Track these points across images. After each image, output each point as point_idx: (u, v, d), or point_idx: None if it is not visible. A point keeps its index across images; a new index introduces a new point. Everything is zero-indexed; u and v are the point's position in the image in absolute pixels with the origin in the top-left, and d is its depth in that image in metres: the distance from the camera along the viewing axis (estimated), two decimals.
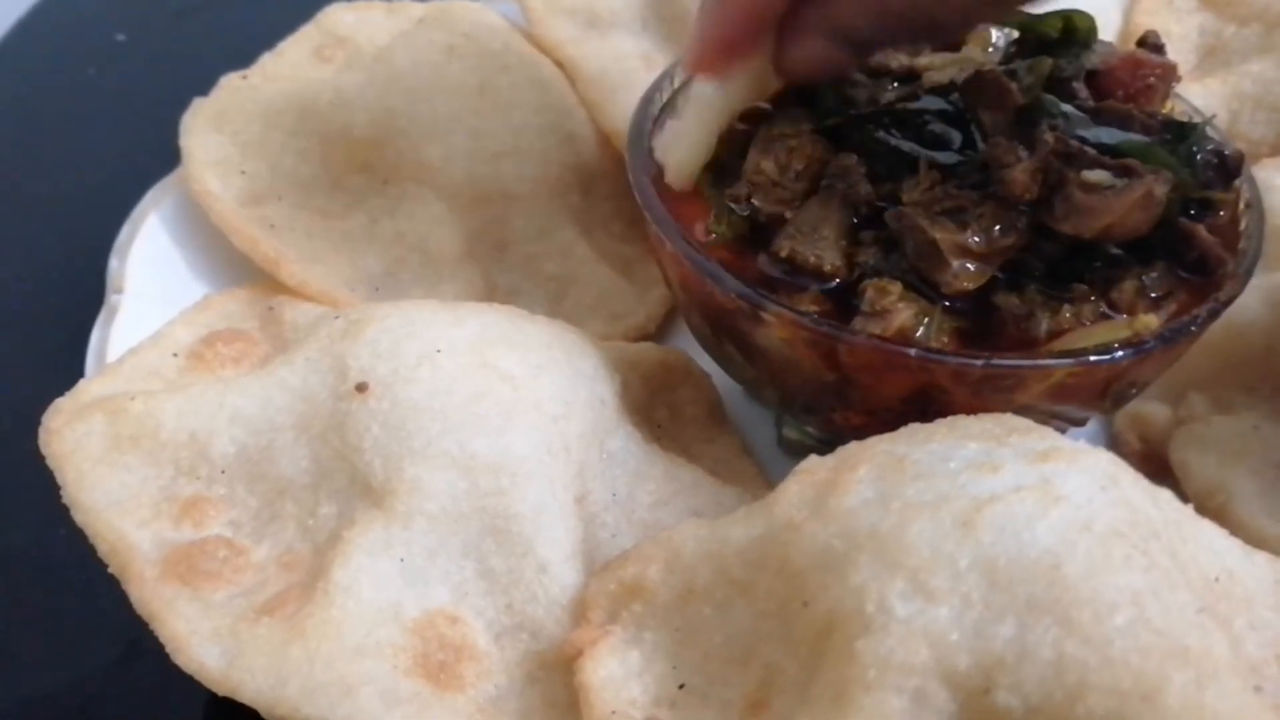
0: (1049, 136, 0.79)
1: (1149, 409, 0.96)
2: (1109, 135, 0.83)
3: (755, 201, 0.85)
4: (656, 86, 0.96)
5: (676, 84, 0.97)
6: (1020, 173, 0.77)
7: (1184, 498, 0.86)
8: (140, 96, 1.42)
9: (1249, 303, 0.95)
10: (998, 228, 0.78)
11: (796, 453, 0.95)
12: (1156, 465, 0.94)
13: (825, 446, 0.92)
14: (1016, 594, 0.58)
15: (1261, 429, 0.92)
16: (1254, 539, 0.82)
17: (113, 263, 1.01)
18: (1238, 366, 0.95)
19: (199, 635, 0.70)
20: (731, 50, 0.84)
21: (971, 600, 0.59)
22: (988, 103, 0.84)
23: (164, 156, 1.07)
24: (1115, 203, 0.76)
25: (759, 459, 0.97)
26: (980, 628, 0.58)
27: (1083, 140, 0.81)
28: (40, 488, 0.79)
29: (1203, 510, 0.86)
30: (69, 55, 1.51)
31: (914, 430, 0.71)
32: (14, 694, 0.87)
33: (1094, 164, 0.79)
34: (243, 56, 1.19)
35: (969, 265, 0.78)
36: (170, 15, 1.59)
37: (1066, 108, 0.84)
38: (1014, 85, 0.84)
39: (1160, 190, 0.78)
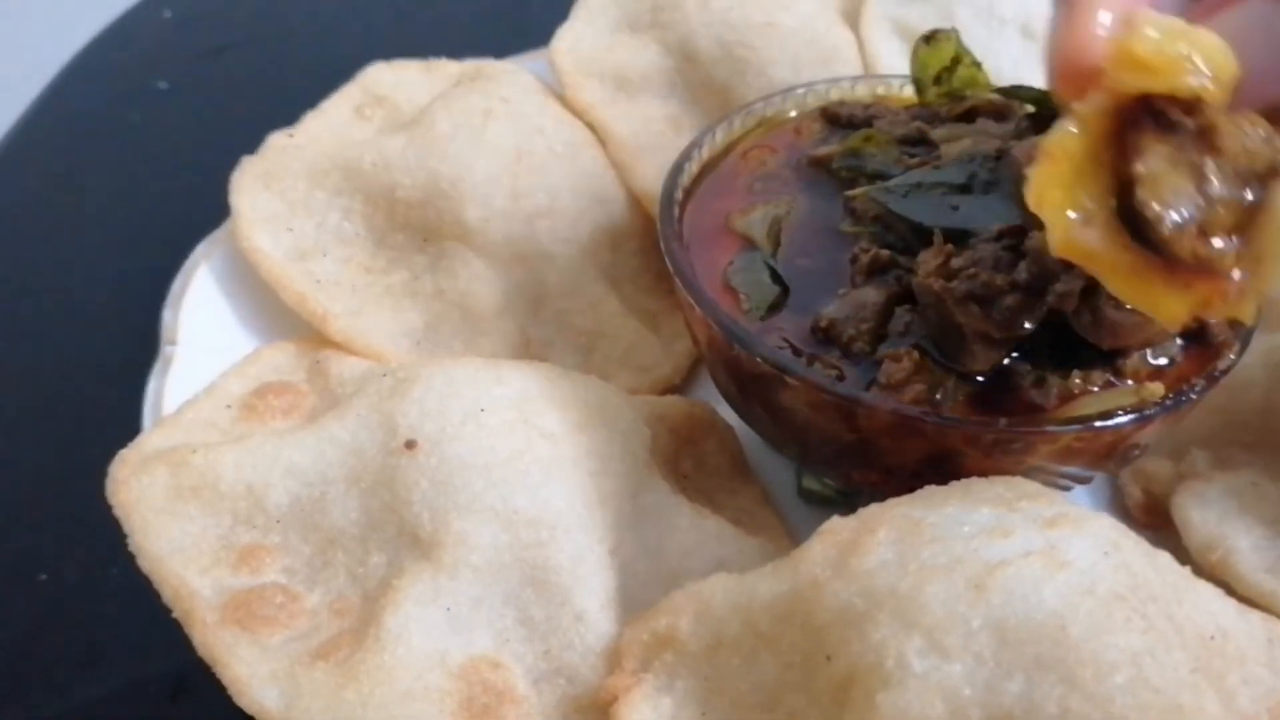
0: None
1: (1153, 465, 1.00)
2: None
3: None
4: (686, 155, 1.01)
5: (705, 154, 1.02)
6: (1071, 294, 0.80)
7: (1185, 551, 0.93)
8: (184, 144, 1.47)
9: (1249, 363, 0.99)
10: (1021, 319, 0.81)
11: (815, 503, 1.00)
12: (1159, 518, 0.98)
13: (843, 497, 0.97)
14: (1025, 653, 0.63)
15: (1260, 485, 0.96)
16: (1250, 592, 0.87)
17: (166, 315, 1.05)
18: (1238, 425, 0.99)
19: (259, 678, 0.75)
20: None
21: (983, 658, 0.63)
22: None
23: (209, 205, 1.11)
24: (1142, 326, 0.80)
25: (779, 508, 1.01)
26: (991, 684, 0.63)
27: None
28: (93, 530, 0.84)
29: (1202, 564, 0.91)
30: (112, 103, 1.56)
31: (930, 494, 0.76)
32: None
33: None
34: (281, 97, 1.24)
35: (989, 349, 0.82)
36: (209, 60, 1.65)
37: None
38: None
39: None
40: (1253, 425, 0.99)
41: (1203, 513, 0.94)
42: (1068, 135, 0.66)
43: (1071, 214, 0.66)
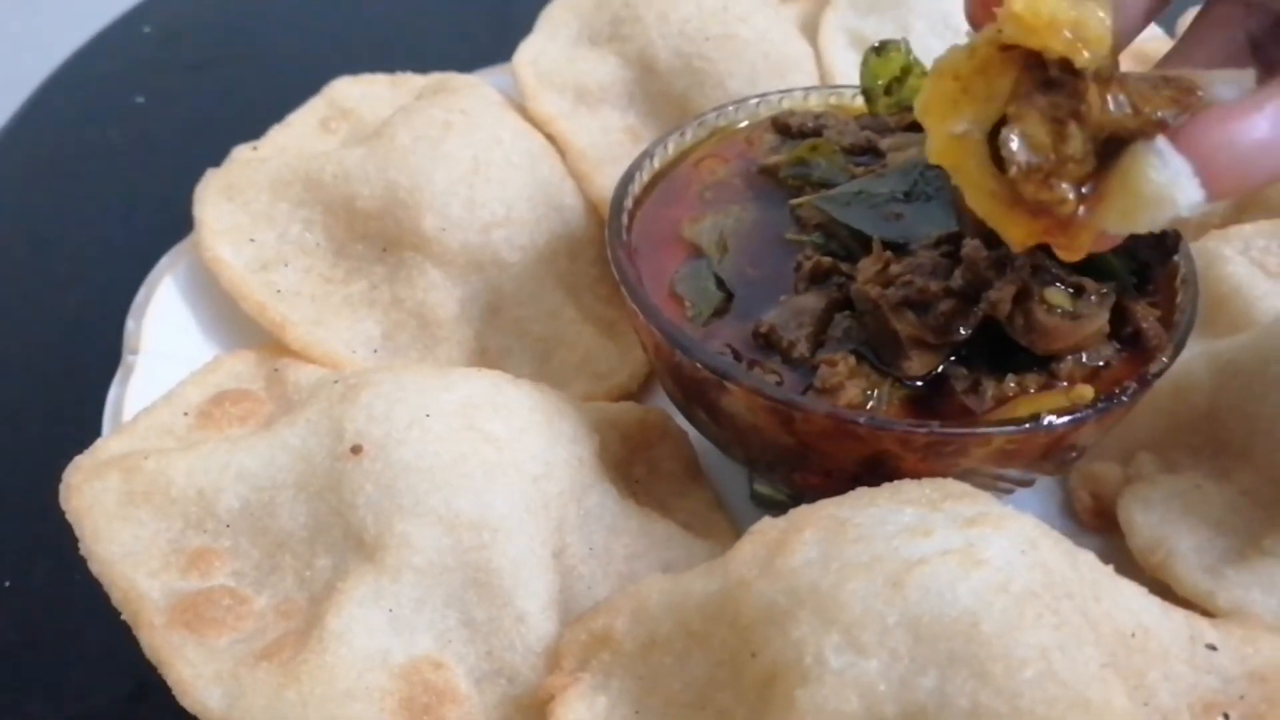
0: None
1: (1101, 468, 1.01)
2: None
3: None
4: (638, 165, 1.02)
5: (657, 164, 1.04)
6: (1004, 300, 0.82)
7: (1130, 553, 0.94)
8: (159, 159, 1.49)
9: (1194, 369, 1.01)
10: (956, 324, 0.83)
11: (768, 507, 1.01)
12: (1107, 521, 0.99)
13: (794, 501, 0.98)
14: (938, 649, 0.64)
15: (1204, 488, 0.97)
16: (1189, 593, 0.89)
17: (129, 324, 1.07)
18: (1183, 429, 1.01)
19: (203, 679, 0.77)
20: None
21: (898, 654, 0.65)
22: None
23: (180, 218, 1.13)
24: (1074, 330, 0.83)
25: (732, 513, 1.02)
26: (905, 679, 0.64)
27: None
28: (57, 536, 0.86)
29: (1146, 566, 0.92)
30: (90, 118, 1.58)
31: (859, 495, 0.77)
32: None
33: (1053, 278, 0.84)
34: (256, 112, 1.26)
35: (925, 354, 0.84)
36: (188, 75, 1.67)
37: None
38: None
39: (1107, 313, 0.85)
40: (1198, 429, 1.00)
41: (1146, 515, 0.95)
42: (958, 56, 0.75)
43: (951, 126, 0.74)
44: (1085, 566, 0.73)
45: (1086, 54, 0.70)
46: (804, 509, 0.77)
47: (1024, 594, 0.65)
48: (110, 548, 0.83)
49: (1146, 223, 0.73)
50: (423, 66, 1.33)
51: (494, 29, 1.70)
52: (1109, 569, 0.75)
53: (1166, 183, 0.70)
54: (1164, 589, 0.88)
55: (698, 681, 0.73)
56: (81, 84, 1.65)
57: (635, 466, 1.01)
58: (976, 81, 0.74)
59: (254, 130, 1.23)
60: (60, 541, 0.86)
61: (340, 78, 1.29)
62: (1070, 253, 0.75)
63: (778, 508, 0.99)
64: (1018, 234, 0.75)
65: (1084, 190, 0.72)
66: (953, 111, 0.74)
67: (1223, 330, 1.06)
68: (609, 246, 0.95)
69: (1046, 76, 0.71)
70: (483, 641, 0.81)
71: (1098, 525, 1.01)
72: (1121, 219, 0.73)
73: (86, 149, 1.53)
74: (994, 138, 0.73)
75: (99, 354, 1.09)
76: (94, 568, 0.83)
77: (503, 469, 0.84)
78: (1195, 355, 1.01)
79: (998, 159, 0.73)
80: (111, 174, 1.48)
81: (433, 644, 0.80)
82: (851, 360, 0.85)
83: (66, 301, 1.27)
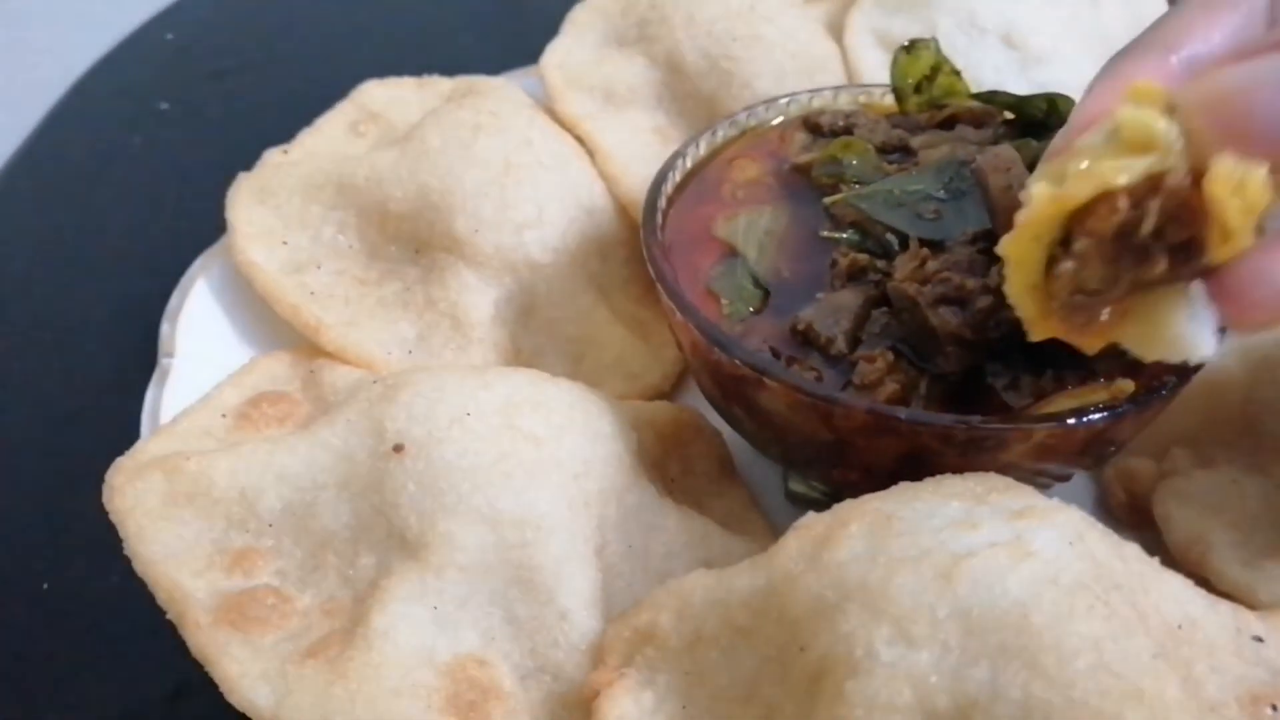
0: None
1: (1135, 463, 1.02)
2: None
3: None
4: (670, 164, 1.03)
5: (689, 163, 1.04)
6: None
7: (1167, 548, 0.94)
8: (185, 163, 1.49)
9: (1227, 364, 1.01)
10: (994, 321, 0.83)
11: (802, 505, 1.01)
12: (1142, 516, 0.99)
13: (829, 500, 0.98)
14: (989, 641, 0.64)
15: (1239, 482, 0.97)
16: (1228, 587, 0.89)
17: (164, 328, 1.08)
18: (1218, 423, 1.01)
19: (250, 677, 0.77)
20: None
21: (949, 646, 0.65)
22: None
23: (208, 222, 1.14)
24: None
25: (767, 511, 1.03)
26: (957, 671, 0.64)
27: None
28: (92, 538, 0.87)
29: (1183, 561, 0.93)
30: (115, 125, 1.59)
31: (903, 489, 0.77)
32: None
33: None
34: (280, 117, 1.26)
35: (963, 350, 0.84)
36: (210, 82, 1.68)
37: None
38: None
39: None
40: (1232, 423, 1.00)
41: (1183, 510, 0.95)
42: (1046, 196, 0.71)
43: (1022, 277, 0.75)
44: (1132, 559, 0.73)
45: (1237, 235, 0.67)
46: (848, 504, 0.77)
47: (1074, 585, 0.66)
48: (154, 548, 0.83)
49: (1156, 356, 0.74)
50: (446, 70, 1.34)
51: (515, 32, 1.71)
52: (1155, 561, 0.75)
53: (1190, 334, 0.72)
54: (1203, 585, 0.89)
55: (745, 676, 0.74)
56: (105, 92, 1.66)
57: (670, 465, 1.01)
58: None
59: (277, 135, 1.24)
60: (97, 543, 0.87)
61: (368, 81, 1.30)
62: (1085, 349, 0.77)
63: (813, 506, 1.00)
64: (1040, 329, 0.77)
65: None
66: (1030, 250, 0.74)
67: None
68: (644, 245, 0.95)
69: (1125, 231, 0.69)
70: (526, 639, 0.81)
71: (1133, 521, 1.01)
72: (1138, 344, 0.75)
73: (111, 156, 1.53)
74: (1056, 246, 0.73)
75: (135, 358, 1.10)
76: (139, 567, 0.83)
77: (543, 467, 0.85)
78: (1230, 349, 1.01)
79: (1050, 257, 0.73)
80: (137, 180, 1.49)
81: (477, 641, 0.81)
82: (890, 356, 0.85)
83: (99, 307, 1.27)
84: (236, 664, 0.78)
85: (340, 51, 1.74)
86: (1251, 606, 0.85)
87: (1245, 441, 0.99)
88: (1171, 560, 0.93)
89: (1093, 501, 1.03)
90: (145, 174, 1.50)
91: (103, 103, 1.64)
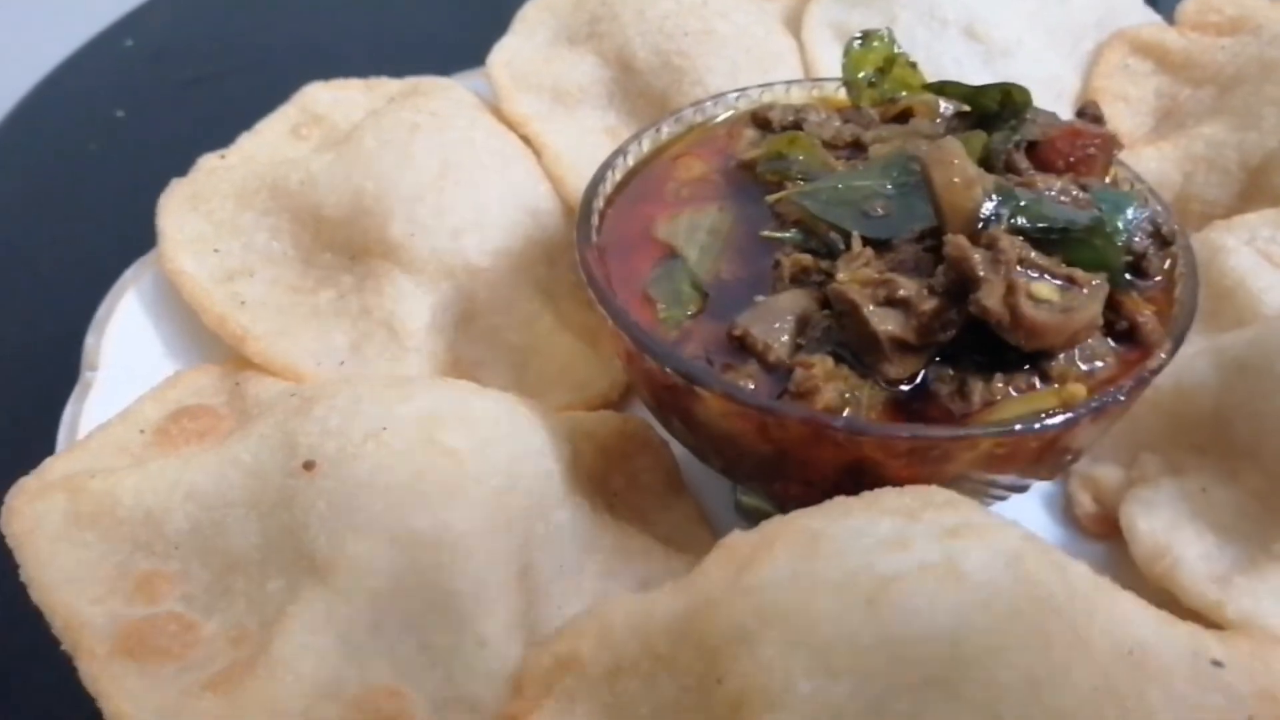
0: (1004, 243, 0.79)
1: (1101, 471, 0.97)
2: (1051, 209, 0.84)
3: None
4: (610, 162, 0.98)
5: (631, 161, 1.00)
6: (994, 302, 0.77)
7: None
8: (138, 172, 1.44)
9: (1198, 365, 0.96)
10: (939, 324, 0.79)
11: (753, 519, 0.96)
12: (1110, 527, 0.95)
13: (782, 513, 0.94)
14: (914, 673, 0.59)
15: (1211, 491, 0.92)
16: (1195, 604, 0.83)
17: (89, 340, 1.04)
18: (1188, 428, 0.95)
19: (143, 713, 0.72)
20: None
21: (872, 677, 0.60)
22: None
23: (153, 231, 1.09)
24: (1063, 324, 0.78)
25: (718, 525, 0.98)
26: (879, 704, 0.59)
27: (1030, 229, 0.82)
28: (5, 561, 0.82)
29: (1149, 575, 0.87)
30: (71, 131, 1.56)
31: (835, 505, 0.73)
32: None
33: (1040, 269, 0.79)
34: (240, 125, 1.22)
35: (907, 356, 0.79)
36: (169, 89, 1.64)
37: (1019, 192, 0.84)
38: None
39: (1100, 305, 0.79)
40: (1203, 428, 0.95)
41: (1149, 520, 0.90)
42: None
43: None
44: (1077, 579, 0.68)
45: None
46: (776, 521, 0.73)
47: (1008, 612, 0.61)
48: (51, 573, 0.79)
49: None
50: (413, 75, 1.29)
51: (489, 39, 1.67)
52: (1105, 580, 0.70)
53: None
54: (1169, 599, 0.83)
55: (665, 706, 0.69)
56: (63, 97, 1.63)
57: (613, 479, 0.96)
58: None
59: (233, 140, 1.20)
60: (9, 567, 0.82)
61: (312, 83, 1.25)
62: None
63: (764, 519, 0.95)
64: None
65: None
66: None
67: (1228, 325, 1.01)
68: (577, 248, 0.91)
69: None
70: (442, 667, 0.77)
71: (1099, 531, 0.96)
72: None
73: (67, 162, 1.50)
74: None
75: (60, 371, 1.05)
76: (34, 594, 0.79)
77: (462, 484, 0.80)
78: (1199, 351, 0.96)
79: None
80: (90, 186, 1.46)
81: (389, 671, 0.76)
82: (829, 362, 0.80)
83: (29, 317, 1.23)
84: (129, 699, 0.73)
85: (301, 61, 1.68)
86: (1220, 625, 0.80)
87: (1216, 447, 0.94)
88: (1139, 573, 0.88)
89: (1058, 511, 0.98)
90: (99, 181, 1.47)
91: (61, 109, 1.61)
